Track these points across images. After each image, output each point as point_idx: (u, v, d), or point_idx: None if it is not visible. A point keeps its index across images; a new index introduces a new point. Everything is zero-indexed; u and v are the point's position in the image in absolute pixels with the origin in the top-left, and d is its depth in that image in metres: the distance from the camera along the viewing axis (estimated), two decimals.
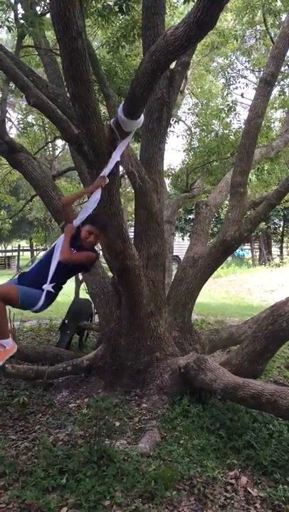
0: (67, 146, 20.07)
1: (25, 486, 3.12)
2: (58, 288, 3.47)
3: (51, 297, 3.43)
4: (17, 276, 3.57)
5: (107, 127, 3.61)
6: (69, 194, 13.05)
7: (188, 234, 25.64)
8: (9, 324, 3.52)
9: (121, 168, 4.13)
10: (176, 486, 3.20)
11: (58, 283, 3.46)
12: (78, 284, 8.37)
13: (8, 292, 3.25)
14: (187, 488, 3.20)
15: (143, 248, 5.17)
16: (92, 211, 3.58)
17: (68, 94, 3.83)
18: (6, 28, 5.77)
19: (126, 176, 6.34)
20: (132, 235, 5.08)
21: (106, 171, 3.57)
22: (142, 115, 3.61)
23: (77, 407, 4.58)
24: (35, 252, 32.80)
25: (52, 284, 3.36)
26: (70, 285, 10.37)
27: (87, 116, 3.38)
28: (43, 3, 6.27)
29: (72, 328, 6.62)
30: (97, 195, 3.55)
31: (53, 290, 3.38)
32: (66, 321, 6.66)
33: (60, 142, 18.92)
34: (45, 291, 3.32)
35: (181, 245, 21.17)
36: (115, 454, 3.42)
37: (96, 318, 7.05)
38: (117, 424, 4.10)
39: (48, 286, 3.34)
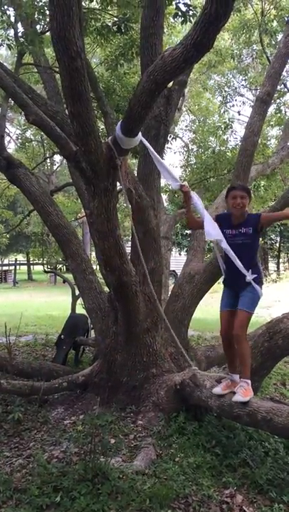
0: (65, 162, 20.23)
1: (19, 504, 3.09)
2: None
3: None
4: None
5: (105, 145, 3.65)
6: (67, 209, 13.11)
7: (185, 249, 25.70)
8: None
9: (118, 184, 4.17)
10: (171, 505, 3.17)
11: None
12: (75, 299, 8.36)
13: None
14: (182, 507, 3.17)
15: (139, 264, 5.18)
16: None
17: (67, 112, 3.90)
18: (5, 46, 5.86)
19: (123, 192, 6.39)
20: (128, 249, 5.09)
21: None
22: (140, 133, 3.66)
23: (72, 423, 4.55)
24: (31, 267, 32.86)
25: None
26: (66, 300, 10.38)
27: (86, 134, 3.43)
28: (42, 22, 6.39)
29: (68, 344, 6.59)
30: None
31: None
32: (62, 336, 6.64)
33: (58, 157, 19.06)
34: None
35: (177, 260, 21.22)
36: (110, 472, 3.39)
37: (92, 334, 7.03)
38: (113, 441, 4.06)
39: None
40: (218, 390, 3.93)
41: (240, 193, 3.84)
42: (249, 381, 3.76)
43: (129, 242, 5.68)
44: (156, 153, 4.08)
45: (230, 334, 3.85)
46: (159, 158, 4.12)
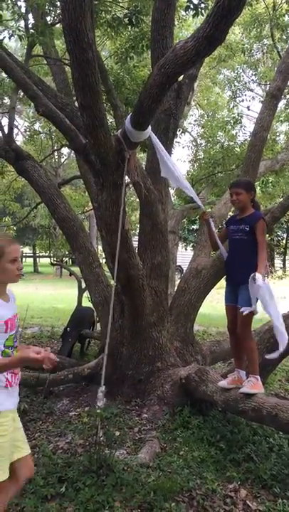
0: (72, 154, 20.21)
1: (24, 494, 3.11)
2: None
3: None
4: None
5: (114, 138, 3.64)
6: (74, 202, 13.11)
7: (191, 244, 25.67)
8: None
9: (127, 178, 4.16)
10: (175, 498, 3.18)
11: None
12: (81, 292, 8.37)
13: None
14: (186, 500, 3.19)
15: (147, 258, 5.18)
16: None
17: (76, 104, 3.89)
18: (15, 37, 5.83)
19: (130, 186, 6.38)
20: (135, 244, 5.09)
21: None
22: (150, 126, 3.64)
23: (77, 415, 4.57)
24: (37, 259, 32.93)
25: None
26: (72, 293, 10.39)
27: (95, 127, 3.42)
28: (53, 13, 6.37)
29: (74, 336, 6.61)
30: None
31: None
32: (68, 329, 6.66)
33: (65, 150, 19.06)
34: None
35: (184, 255, 21.20)
36: (115, 464, 3.41)
37: (98, 327, 7.05)
38: (117, 433, 4.09)
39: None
40: (224, 383, 3.95)
41: (234, 189, 3.91)
42: (258, 377, 3.77)
43: (136, 237, 5.66)
44: (168, 156, 4.06)
45: (236, 329, 3.86)
46: (171, 163, 4.09)
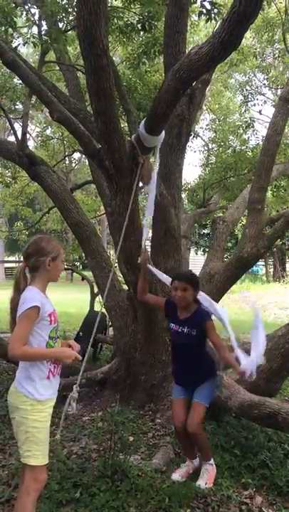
0: (83, 159, 20.30)
1: (39, 499, 3.11)
2: None
3: None
4: None
5: (128, 143, 3.66)
6: (86, 207, 13.16)
7: (201, 249, 25.62)
8: None
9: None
10: (190, 504, 3.16)
11: None
12: (93, 296, 8.39)
13: None
14: (201, 507, 3.16)
15: (160, 262, 5.18)
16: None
17: (89, 109, 3.91)
18: (31, 43, 5.88)
19: (143, 190, 6.39)
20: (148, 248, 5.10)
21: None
22: (163, 131, 3.65)
23: (91, 420, 4.57)
24: None
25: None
26: (82, 298, 10.38)
27: (109, 132, 3.44)
28: (65, 20, 6.41)
29: (86, 341, 6.61)
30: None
31: None
32: (81, 334, 6.67)
33: (76, 155, 19.16)
34: None
35: (194, 260, 21.14)
36: (129, 469, 3.40)
37: (110, 331, 7.06)
38: (131, 439, 4.08)
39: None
40: (176, 476, 3.49)
41: (181, 284, 3.42)
42: (213, 462, 3.53)
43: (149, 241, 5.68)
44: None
45: (185, 424, 3.45)
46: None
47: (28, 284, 2.56)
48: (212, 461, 3.53)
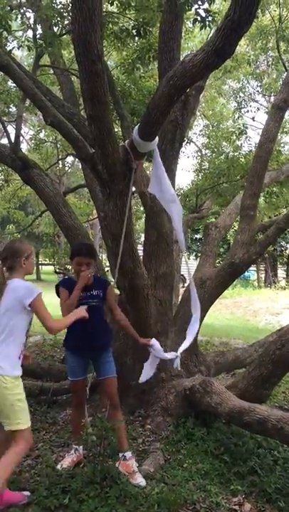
0: (76, 163, 20.28)
1: (27, 504, 3.10)
2: None
3: None
4: None
5: (121, 148, 3.66)
6: (78, 211, 13.16)
7: (194, 253, 25.65)
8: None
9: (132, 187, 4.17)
10: (179, 510, 3.16)
11: None
12: None
13: None
14: None
15: (152, 268, 5.18)
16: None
17: (83, 113, 3.91)
18: (25, 47, 5.87)
19: (135, 195, 6.40)
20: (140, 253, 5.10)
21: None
22: (157, 137, 3.66)
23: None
24: (40, 267, 32.89)
25: None
26: None
27: (103, 137, 3.44)
28: (60, 24, 6.41)
29: None
30: None
31: None
32: None
33: (69, 159, 19.13)
34: None
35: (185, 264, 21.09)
36: (119, 476, 3.39)
37: None
38: None
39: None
40: (64, 465, 3.64)
41: (85, 260, 3.71)
42: (130, 453, 3.73)
43: (140, 246, 5.68)
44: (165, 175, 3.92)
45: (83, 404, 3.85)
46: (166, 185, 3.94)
47: (7, 279, 3.14)
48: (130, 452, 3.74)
